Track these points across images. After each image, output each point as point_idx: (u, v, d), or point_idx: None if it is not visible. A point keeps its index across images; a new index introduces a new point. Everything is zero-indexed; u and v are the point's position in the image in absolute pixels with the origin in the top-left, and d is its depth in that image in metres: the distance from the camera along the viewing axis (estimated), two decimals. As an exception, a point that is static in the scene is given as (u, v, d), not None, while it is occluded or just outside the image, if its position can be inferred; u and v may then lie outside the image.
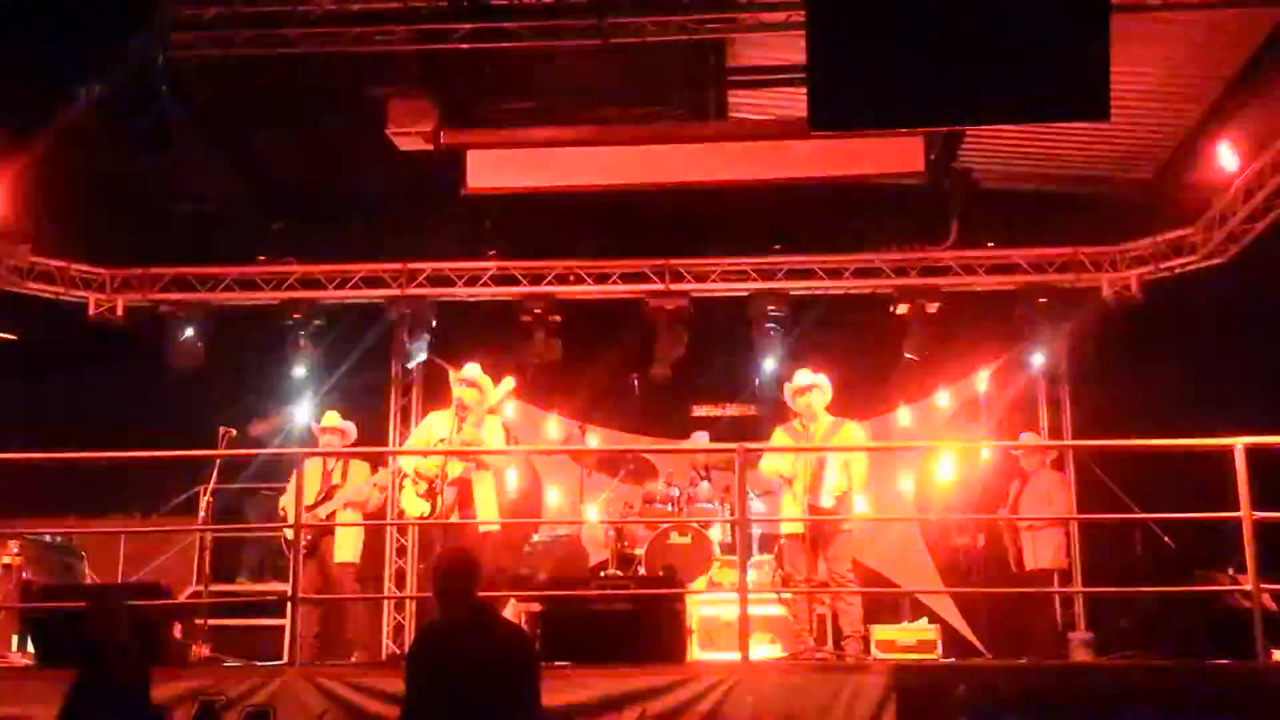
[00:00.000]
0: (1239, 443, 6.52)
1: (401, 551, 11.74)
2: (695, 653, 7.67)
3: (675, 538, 8.92)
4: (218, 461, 8.91)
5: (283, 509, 8.74)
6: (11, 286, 11.15)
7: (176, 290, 11.56)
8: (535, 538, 9.54)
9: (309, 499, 8.17)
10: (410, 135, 9.29)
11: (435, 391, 10.64)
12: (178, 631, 7.58)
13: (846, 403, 8.74)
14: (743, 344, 11.16)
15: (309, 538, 8.15)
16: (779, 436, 8.53)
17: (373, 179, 11.02)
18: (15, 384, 11.20)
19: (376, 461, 9.03)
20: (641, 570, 8.72)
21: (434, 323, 11.33)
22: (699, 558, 8.80)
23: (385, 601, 11.51)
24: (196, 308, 11.48)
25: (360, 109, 9.44)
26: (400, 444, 11.11)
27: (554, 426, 11.54)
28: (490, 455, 8.05)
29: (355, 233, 11.43)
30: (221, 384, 11.53)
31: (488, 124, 10.10)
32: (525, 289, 11.37)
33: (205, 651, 8.09)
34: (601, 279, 11.42)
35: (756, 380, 10.77)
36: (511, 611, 7.90)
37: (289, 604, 7.11)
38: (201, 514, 9.11)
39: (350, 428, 9.03)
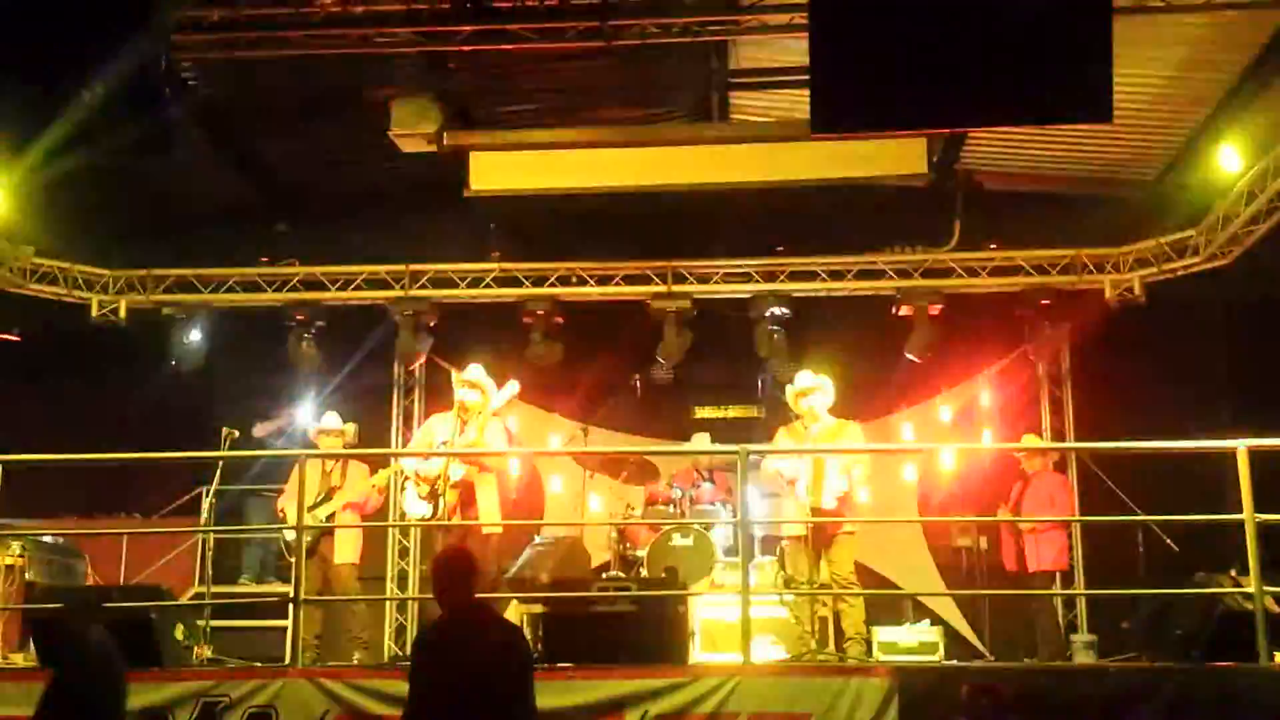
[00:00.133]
0: (1241, 445, 6.51)
1: (404, 553, 11.73)
2: (697, 654, 7.66)
3: (677, 539, 8.92)
4: (220, 463, 8.92)
5: (282, 510, 8.74)
6: (14, 287, 11.16)
7: (179, 292, 11.57)
8: (537, 539, 9.53)
9: (308, 500, 8.17)
10: (413, 137, 9.28)
11: (438, 393, 10.64)
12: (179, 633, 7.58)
13: (848, 404, 8.74)
14: (745, 346, 11.15)
15: (309, 539, 8.15)
16: (781, 438, 8.53)
17: (376, 181, 11.04)
18: (18, 385, 11.21)
19: (376, 463, 9.04)
20: (644, 572, 8.72)
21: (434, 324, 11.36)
22: (701, 559, 8.80)
23: (387, 603, 11.51)
24: (199, 309, 11.49)
25: (363, 111, 9.45)
26: (403, 446, 11.10)
27: (557, 428, 11.53)
28: (492, 458, 8.05)
29: (358, 234, 11.43)
30: (224, 385, 11.56)
31: (490, 126, 10.11)
32: (528, 291, 11.37)
33: (207, 653, 8.10)
34: (604, 281, 11.44)
35: (759, 382, 10.76)
36: (514, 613, 7.90)
37: (291, 605, 7.10)
38: (204, 515, 9.13)
39: (350, 429, 9.03)
